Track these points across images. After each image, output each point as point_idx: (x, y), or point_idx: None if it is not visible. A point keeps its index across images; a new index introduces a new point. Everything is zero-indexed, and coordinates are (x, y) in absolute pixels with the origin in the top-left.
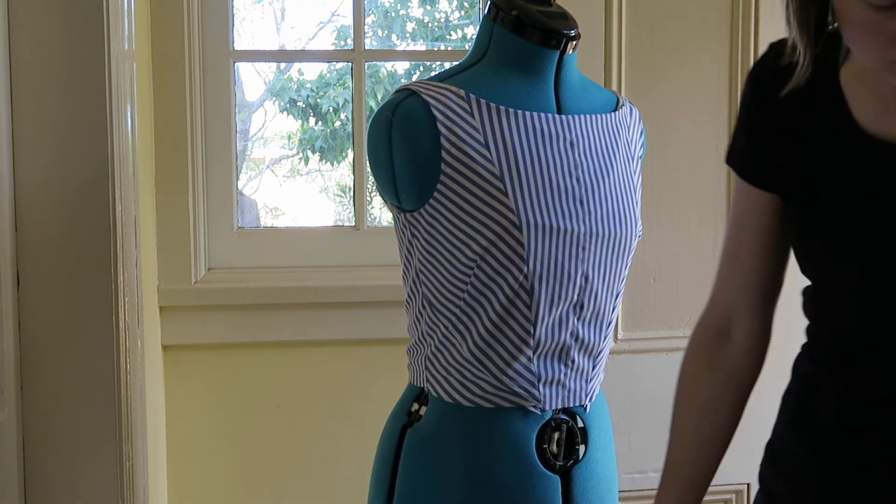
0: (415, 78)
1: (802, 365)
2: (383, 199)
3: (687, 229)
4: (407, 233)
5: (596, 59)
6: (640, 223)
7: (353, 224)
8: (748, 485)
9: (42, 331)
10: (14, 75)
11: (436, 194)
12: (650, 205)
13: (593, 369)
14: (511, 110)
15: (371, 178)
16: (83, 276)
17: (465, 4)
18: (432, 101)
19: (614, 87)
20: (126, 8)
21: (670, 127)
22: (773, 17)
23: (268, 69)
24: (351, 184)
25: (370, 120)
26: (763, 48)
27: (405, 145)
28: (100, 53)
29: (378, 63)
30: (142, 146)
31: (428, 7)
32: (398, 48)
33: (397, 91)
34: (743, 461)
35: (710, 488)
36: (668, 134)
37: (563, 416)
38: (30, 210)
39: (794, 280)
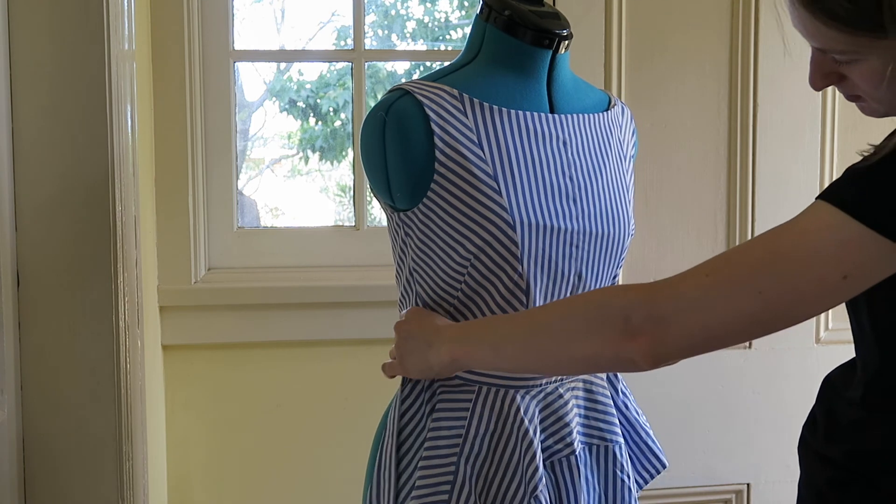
0: (415, 77)
1: None
2: (377, 198)
3: (687, 229)
4: (400, 232)
5: (596, 59)
6: (632, 222)
7: (353, 224)
8: (748, 485)
9: (42, 331)
10: (14, 75)
11: (429, 194)
12: (650, 205)
13: None
14: (504, 109)
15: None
16: (83, 276)
17: (465, 4)
18: (425, 101)
19: (614, 89)
20: (126, 8)
21: (670, 127)
22: (773, 17)
23: (268, 69)
24: (351, 184)
25: (363, 120)
26: (763, 48)
27: (398, 145)
28: (100, 53)
29: (378, 63)
30: (142, 146)
31: (428, 6)
32: (398, 48)
33: (390, 91)
34: (743, 461)
35: (710, 488)
36: (668, 134)
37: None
38: (30, 210)
39: None
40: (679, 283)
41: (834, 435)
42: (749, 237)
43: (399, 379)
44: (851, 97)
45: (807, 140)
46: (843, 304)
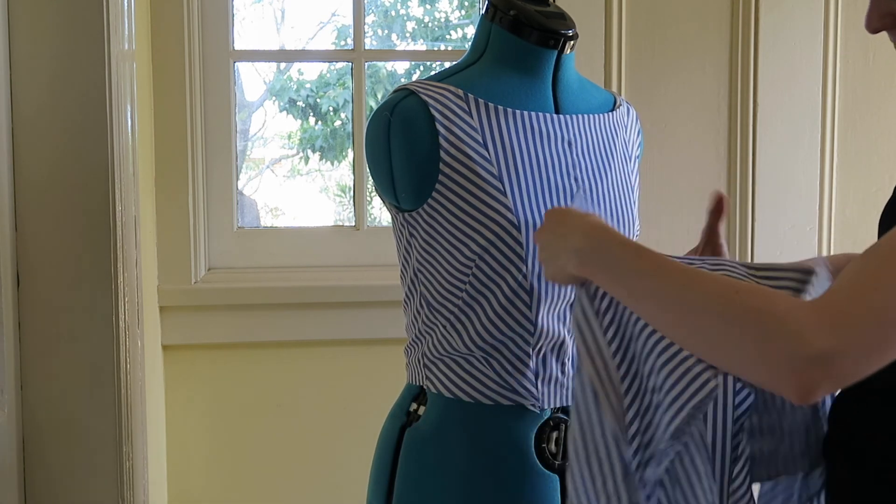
0: (415, 78)
1: None
2: (381, 198)
3: (687, 229)
4: (405, 232)
5: (596, 59)
6: (637, 223)
7: (353, 224)
8: None
9: (42, 331)
10: (14, 75)
11: (434, 194)
12: (650, 205)
13: None
14: (509, 110)
15: (371, 178)
16: (83, 276)
17: (465, 4)
18: (431, 101)
19: (614, 88)
20: (126, 8)
21: (670, 127)
22: (773, 16)
23: (268, 69)
24: (351, 184)
25: (368, 120)
26: (763, 48)
27: (403, 145)
28: (100, 53)
29: (378, 63)
30: (142, 146)
31: (428, 7)
32: (398, 48)
33: (395, 91)
34: None
35: None
36: (668, 134)
37: (562, 416)
38: (30, 210)
39: None
40: (853, 308)
41: (870, 433)
42: (749, 237)
43: (403, 382)
44: None
45: (807, 140)
46: None
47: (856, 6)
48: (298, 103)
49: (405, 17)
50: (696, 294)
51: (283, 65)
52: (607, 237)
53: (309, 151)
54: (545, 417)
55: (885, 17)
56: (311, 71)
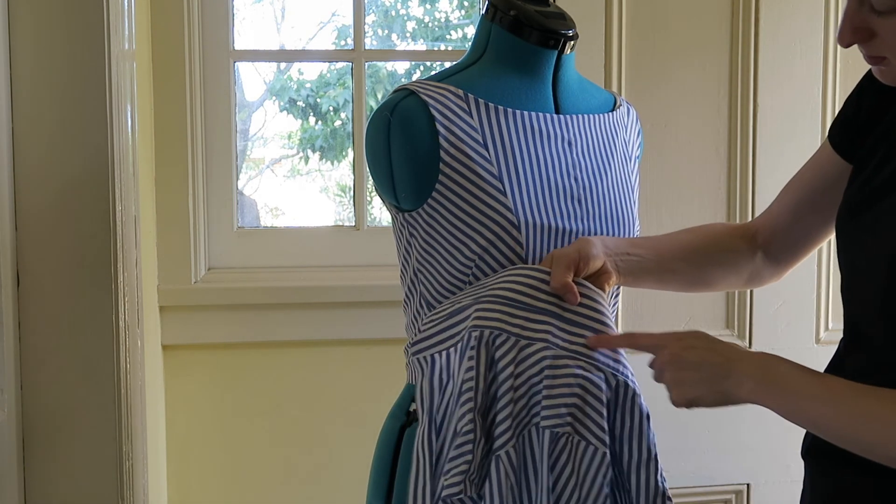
0: (415, 77)
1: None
2: (381, 198)
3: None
4: (405, 232)
5: (596, 59)
6: (637, 223)
7: (353, 224)
8: (748, 485)
9: (42, 331)
10: (14, 75)
11: (434, 194)
12: (650, 205)
13: None
14: (509, 110)
15: (371, 178)
16: (83, 276)
17: (465, 4)
18: (431, 101)
19: (614, 88)
20: (126, 8)
21: (670, 127)
22: (773, 16)
23: (268, 69)
24: (351, 184)
25: (368, 120)
26: (763, 48)
27: (404, 145)
28: (100, 53)
29: (378, 63)
30: (142, 146)
31: (428, 6)
32: (398, 48)
33: (395, 91)
34: (743, 461)
35: (710, 488)
36: (668, 134)
37: None
38: (30, 210)
39: (794, 282)
40: None
41: None
42: None
43: (403, 382)
44: (874, 59)
45: (807, 140)
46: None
47: None
48: (298, 103)
49: (405, 17)
50: (873, 426)
51: (283, 65)
52: (782, 367)
53: (309, 151)
54: None
55: (858, 32)
56: (311, 71)
